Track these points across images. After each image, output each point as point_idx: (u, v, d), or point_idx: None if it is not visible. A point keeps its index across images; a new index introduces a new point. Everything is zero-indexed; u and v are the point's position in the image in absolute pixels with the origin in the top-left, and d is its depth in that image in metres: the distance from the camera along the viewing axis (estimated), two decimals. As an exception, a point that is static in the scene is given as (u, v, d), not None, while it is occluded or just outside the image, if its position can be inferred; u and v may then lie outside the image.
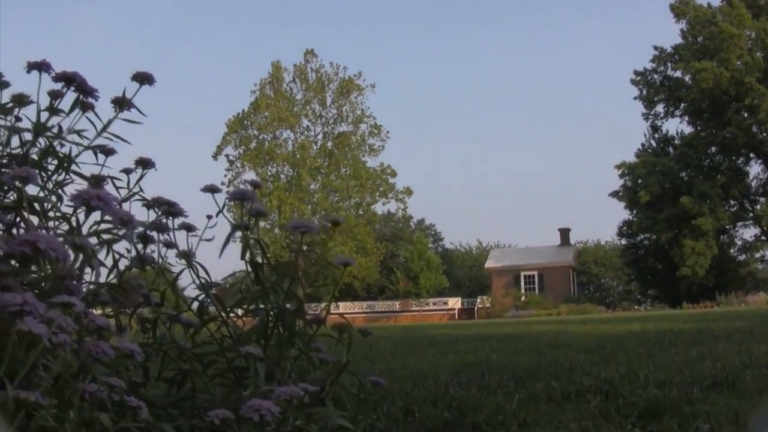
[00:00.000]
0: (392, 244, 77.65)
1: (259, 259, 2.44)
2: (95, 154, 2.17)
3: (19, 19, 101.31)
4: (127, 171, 2.32)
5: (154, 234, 2.35)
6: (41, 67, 2.10)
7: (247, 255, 2.41)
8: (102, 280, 2.17)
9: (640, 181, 58.32)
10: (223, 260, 2.51)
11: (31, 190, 2.13)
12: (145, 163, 2.32)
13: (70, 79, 2.02)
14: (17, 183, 1.44)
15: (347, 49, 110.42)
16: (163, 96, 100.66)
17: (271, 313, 2.23)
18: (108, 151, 2.21)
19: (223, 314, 2.29)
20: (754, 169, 71.37)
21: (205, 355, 2.35)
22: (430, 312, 63.82)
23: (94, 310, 2.15)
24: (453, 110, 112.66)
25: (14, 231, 2.05)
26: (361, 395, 2.41)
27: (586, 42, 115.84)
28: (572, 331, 14.23)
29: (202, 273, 2.43)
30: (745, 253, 62.97)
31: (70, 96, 2.12)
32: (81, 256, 1.73)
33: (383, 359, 8.01)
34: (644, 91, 62.24)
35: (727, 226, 59.71)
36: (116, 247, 2.23)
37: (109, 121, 2.15)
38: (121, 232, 1.97)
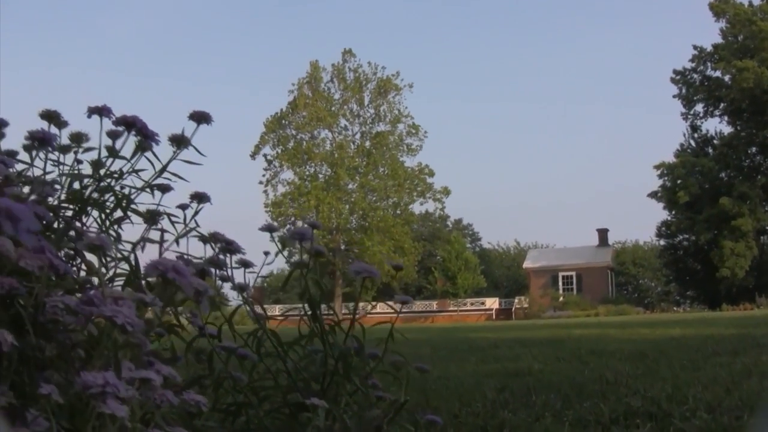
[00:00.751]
0: (430, 244, 77.63)
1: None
2: (152, 191, 2.19)
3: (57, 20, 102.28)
4: (183, 207, 2.33)
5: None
6: (102, 111, 2.11)
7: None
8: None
9: (679, 181, 57.96)
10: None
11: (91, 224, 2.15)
12: (200, 198, 2.33)
13: (130, 124, 2.03)
14: (91, 252, 1.44)
15: (385, 48, 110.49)
16: (201, 95, 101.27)
17: (331, 354, 2.24)
18: (164, 188, 2.23)
19: (281, 350, 2.30)
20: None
21: (261, 389, 2.36)
22: (468, 312, 63.80)
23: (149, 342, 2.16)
24: (491, 110, 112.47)
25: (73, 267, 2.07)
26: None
27: (625, 41, 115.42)
28: (612, 336, 14.17)
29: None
30: (786, 254, 62.45)
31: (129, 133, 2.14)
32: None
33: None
34: (683, 91, 61.86)
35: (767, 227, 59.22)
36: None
37: (168, 162, 2.16)
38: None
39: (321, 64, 67.34)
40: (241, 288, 2.41)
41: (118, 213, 2.13)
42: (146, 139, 2.05)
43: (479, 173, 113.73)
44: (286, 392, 2.32)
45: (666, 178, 60.04)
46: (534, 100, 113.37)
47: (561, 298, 62.19)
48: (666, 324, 18.88)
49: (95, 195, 2.08)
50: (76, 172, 2.15)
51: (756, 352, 8.08)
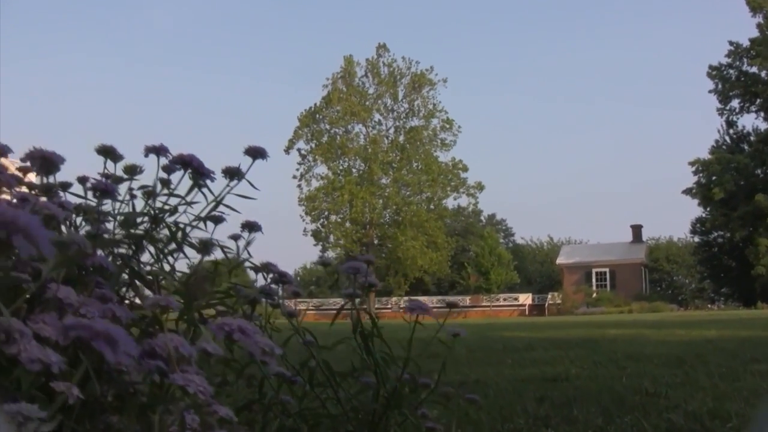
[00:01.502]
0: (463, 239, 77.49)
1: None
2: (204, 223, 2.21)
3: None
4: (235, 237, 2.35)
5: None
6: (159, 151, 2.14)
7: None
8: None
9: (714, 177, 57.54)
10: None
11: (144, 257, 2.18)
12: (251, 227, 2.36)
13: (186, 163, 2.05)
14: (156, 310, 1.46)
15: (419, 43, 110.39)
16: (234, 87, 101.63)
17: (384, 388, 2.26)
18: (217, 220, 2.25)
19: (333, 381, 2.32)
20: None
21: (310, 415, 2.38)
22: (501, 308, 63.69)
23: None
24: (525, 105, 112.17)
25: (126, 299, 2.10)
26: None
27: (659, 37, 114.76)
28: (647, 336, 14.12)
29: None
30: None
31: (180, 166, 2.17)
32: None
33: (461, 370, 8.00)
34: (719, 86, 61.40)
35: (804, 225, 58.74)
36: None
37: (223, 196, 2.19)
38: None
39: (355, 59, 67.44)
40: (290, 314, 2.44)
41: (171, 245, 2.16)
42: (201, 176, 2.08)
43: (513, 168, 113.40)
44: (337, 421, 2.34)
45: (701, 175, 59.60)
46: (568, 95, 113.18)
47: (594, 295, 62.02)
48: (701, 324, 18.80)
49: (149, 226, 2.10)
50: (128, 201, 2.18)
51: (796, 358, 8.04)
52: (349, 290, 2.47)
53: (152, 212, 2.10)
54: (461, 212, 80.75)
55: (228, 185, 2.18)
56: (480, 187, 67.42)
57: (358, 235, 63.19)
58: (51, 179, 2.13)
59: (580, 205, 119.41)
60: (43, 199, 1.99)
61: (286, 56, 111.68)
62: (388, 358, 2.28)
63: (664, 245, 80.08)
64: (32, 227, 1.06)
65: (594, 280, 65.39)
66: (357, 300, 2.43)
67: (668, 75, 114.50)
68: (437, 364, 2.42)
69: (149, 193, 2.20)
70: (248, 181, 2.19)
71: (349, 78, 66.89)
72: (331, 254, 65.31)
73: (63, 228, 1.89)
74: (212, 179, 2.11)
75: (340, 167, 66.28)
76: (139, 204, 2.19)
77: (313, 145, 66.49)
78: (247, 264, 2.35)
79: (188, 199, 2.12)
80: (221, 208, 2.26)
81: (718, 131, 63.23)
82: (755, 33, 59.36)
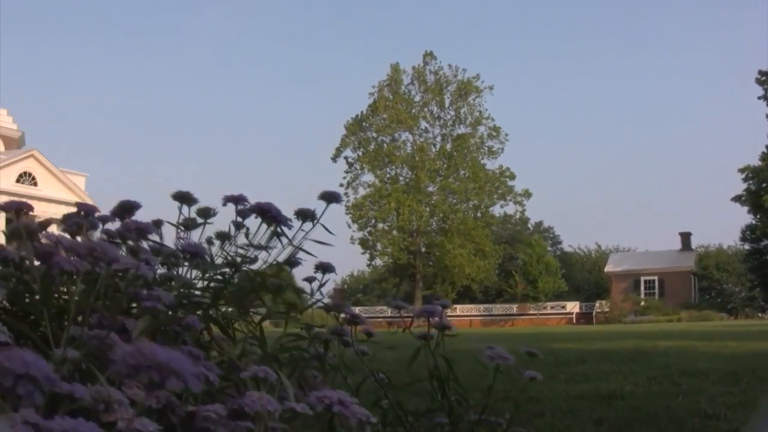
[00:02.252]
0: (510, 247, 77.13)
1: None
2: (280, 266, 2.24)
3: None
4: (310, 279, 2.38)
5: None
6: (237, 200, 2.18)
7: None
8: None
9: (764, 185, 56.90)
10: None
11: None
12: (325, 268, 2.38)
13: (264, 211, 2.08)
14: (254, 381, 1.49)
15: (465, 51, 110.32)
16: (278, 98, 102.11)
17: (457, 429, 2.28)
18: (293, 264, 2.27)
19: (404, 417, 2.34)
20: None
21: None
22: (548, 316, 63.39)
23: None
24: (572, 112, 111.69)
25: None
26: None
27: (707, 42, 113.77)
28: (700, 349, 13.98)
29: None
30: None
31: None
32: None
33: (515, 384, 7.96)
34: (768, 92, 60.76)
35: None
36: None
37: (300, 242, 2.21)
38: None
39: (402, 67, 67.45)
40: (363, 353, 2.47)
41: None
42: (279, 224, 2.10)
43: (560, 175, 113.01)
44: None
45: (751, 182, 58.95)
46: (616, 103, 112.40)
47: (642, 303, 61.51)
48: (754, 336, 18.59)
49: (229, 274, 2.13)
50: (208, 249, 2.21)
51: None
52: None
53: (232, 260, 2.13)
54: (508, 220, 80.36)
55: (302, 230, 2.20)
56: (527, 194, 67.26)
57: (405, 243, 63.19)
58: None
59: (629, 213, 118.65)
60: (124, 248, 2.02)
61: (332, 64, 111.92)
62: (462, 401, 2.30)
63: (714, 253, 79.15)
64: (184, 369, 1.09)
65: (642, 288, 64.88)
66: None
67: (719, 80, 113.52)
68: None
69: (224, 236, 2.23)
70: (323, 226, 2.21)
71: (395, 86, 66.92)
72: (378, 262, 65.42)
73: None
74: (289, 227, 2.13)
75: (387, 175, 66.35)
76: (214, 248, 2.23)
77: (360, 153, 66.63)
78: (319, 304, 2.38)
79: (264, 244, 2.15)
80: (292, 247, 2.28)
81: (768, 137, 62.54)
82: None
